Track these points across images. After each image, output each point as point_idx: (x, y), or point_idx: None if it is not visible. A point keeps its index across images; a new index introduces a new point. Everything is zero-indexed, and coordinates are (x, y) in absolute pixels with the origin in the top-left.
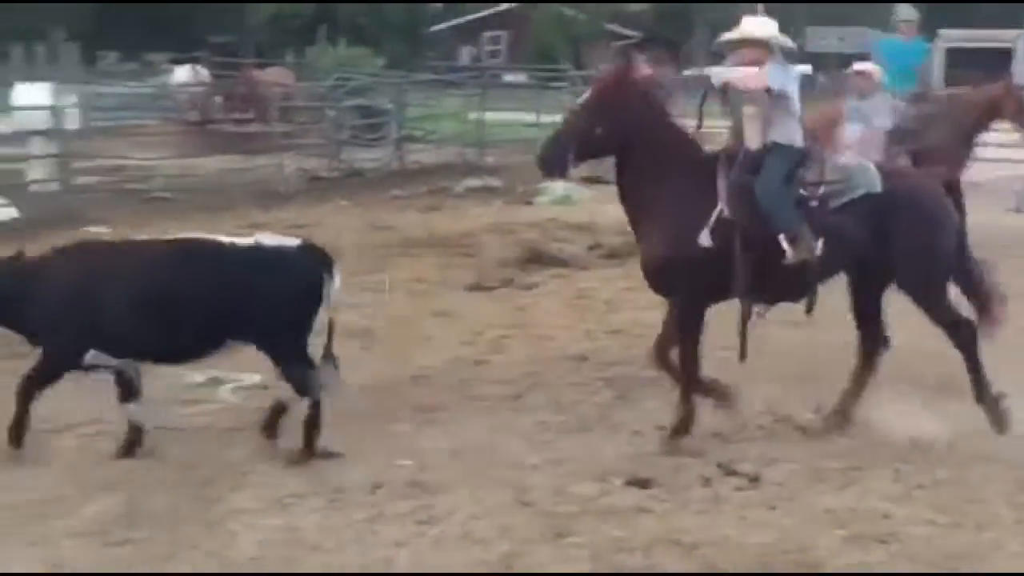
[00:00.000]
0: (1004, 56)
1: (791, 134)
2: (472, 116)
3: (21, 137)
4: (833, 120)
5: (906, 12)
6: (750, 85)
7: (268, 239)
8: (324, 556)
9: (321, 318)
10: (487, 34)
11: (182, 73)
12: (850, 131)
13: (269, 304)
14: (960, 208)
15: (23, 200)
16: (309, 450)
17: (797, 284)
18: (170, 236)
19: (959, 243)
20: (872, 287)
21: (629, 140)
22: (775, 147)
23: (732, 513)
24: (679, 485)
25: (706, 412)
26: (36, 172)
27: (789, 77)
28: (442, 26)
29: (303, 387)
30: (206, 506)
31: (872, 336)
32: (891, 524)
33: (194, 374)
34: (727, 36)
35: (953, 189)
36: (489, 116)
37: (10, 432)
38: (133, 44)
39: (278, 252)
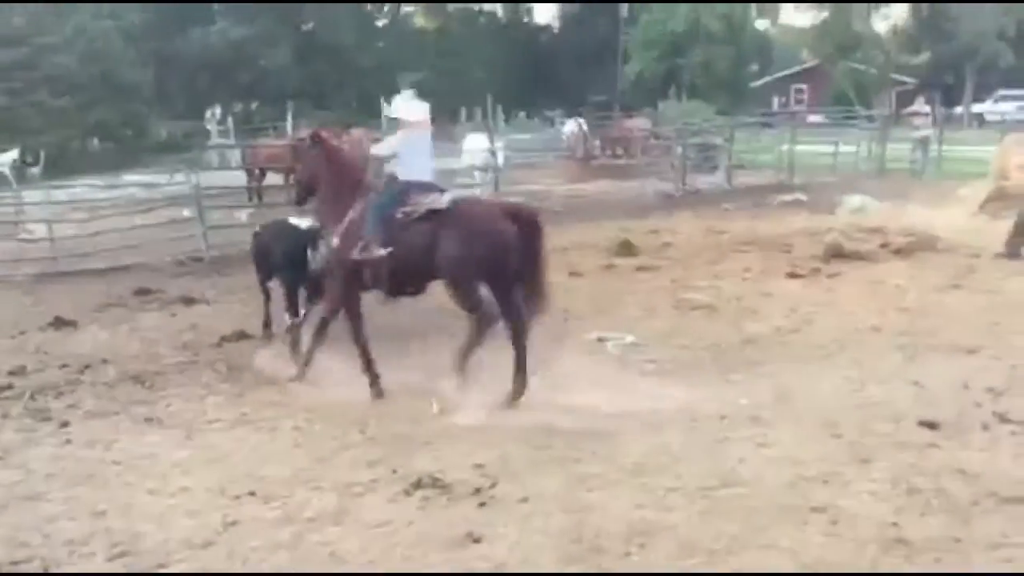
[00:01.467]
0: None
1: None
2: (784, 148)
3: (468, 170)
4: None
5: None
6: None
7: None
8: (687, 465)
9: None
10: (794, 86)
11: (571, 124)
12: None
13: None
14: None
15: None
16: None
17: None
18: None
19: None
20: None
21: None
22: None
23: (1008, 452)
24: (962, 428)
25: (984, 375)
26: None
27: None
28: (760, 82)
29: None
30: (606, 424)
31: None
32: None
33: (587, 335)
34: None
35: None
36: (797, 148)
37: None
38: (537, 104)
39: None
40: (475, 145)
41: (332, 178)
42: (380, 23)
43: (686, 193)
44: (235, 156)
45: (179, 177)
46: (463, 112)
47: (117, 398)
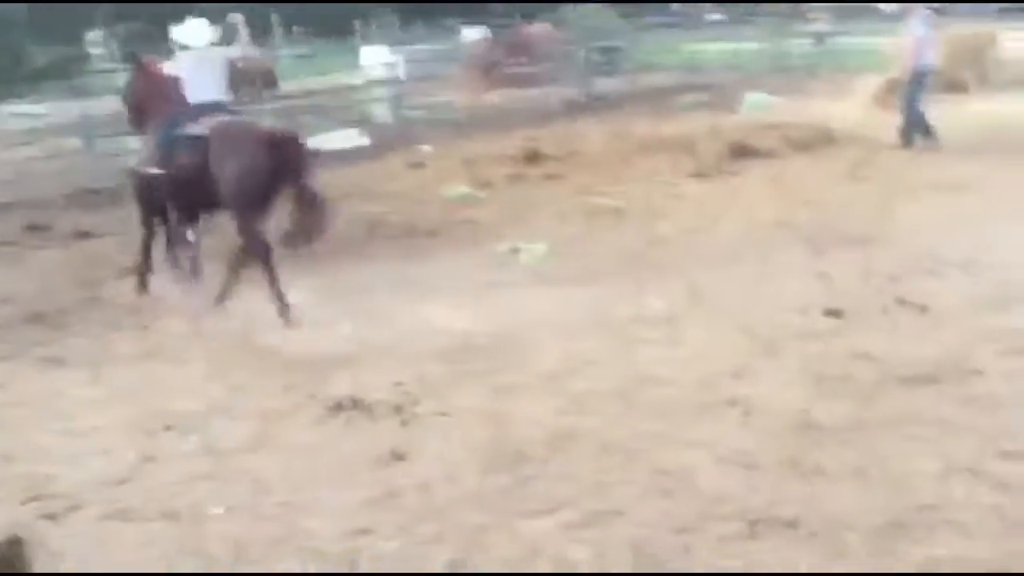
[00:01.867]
0: None
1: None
2: (686, 48)
3: (368, 86)
4: None
5: None
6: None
7: None
8: (603, 368)
9: None
10: None
11: (471, 33)
12: None
13: None
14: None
15: (371, 131)
16: None
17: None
18: None
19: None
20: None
21: None
22: None
23: (908, 334)
24: (864, 314)
25: (883, 262)
26: (378, 110)
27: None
28: None
29: None
30: (522, 334)
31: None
32: None
33: (499, 245)
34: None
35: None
36: (699, 47)
37: None
38: (436, 13)
39: None
40: (372, 59)
41: (155, 102)
42: None
43: (591, 99)
44: (122, 80)
45: (64, 104)
46: (357, 24)
47: (16, 339)
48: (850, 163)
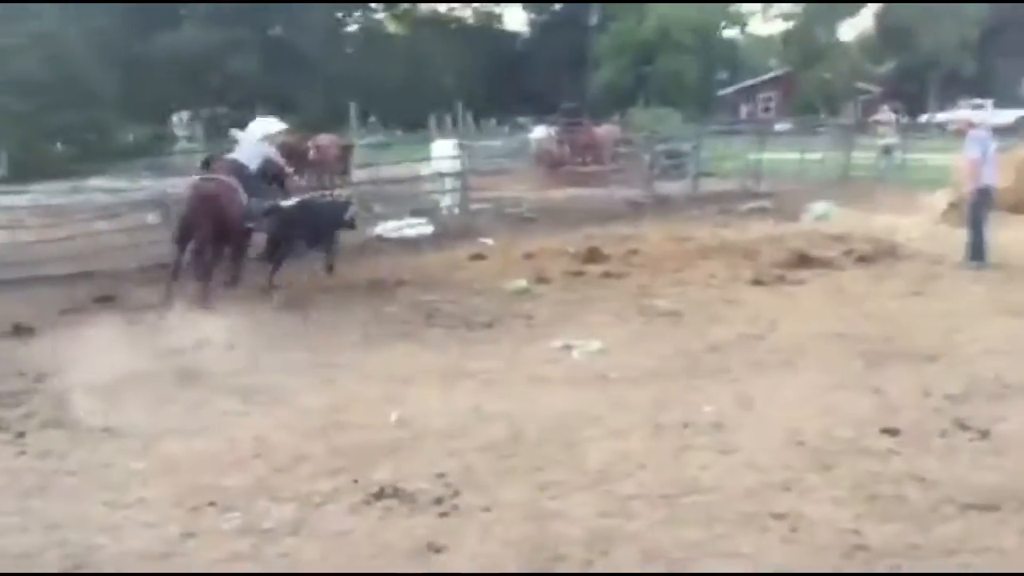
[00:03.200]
0: None
1: None
2: (751, 156)
3: (436, 177)
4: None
5: None
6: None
7: None
8: (647, 473)
9: None
10: (761, 95)
11: (540, 131)
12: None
13: None
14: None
15: (437, 220)
16: None
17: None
18: None
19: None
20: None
21: None
22: None
23: (966, 458)
24: (921, 435)
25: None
26: (446, 200)
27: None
28: (728, 90)
29: None
30: (570, 432)
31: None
32: None
33: (554, 341)
34: None
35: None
36: (764, 156)
37: None
38: (508, 111)
39: None
40: (441, 152)
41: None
42: (349, 28)
43: (654, 200)
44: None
45: (145, 182)
46: (432, 119)
47: (74, 408)
48: (913, 279)
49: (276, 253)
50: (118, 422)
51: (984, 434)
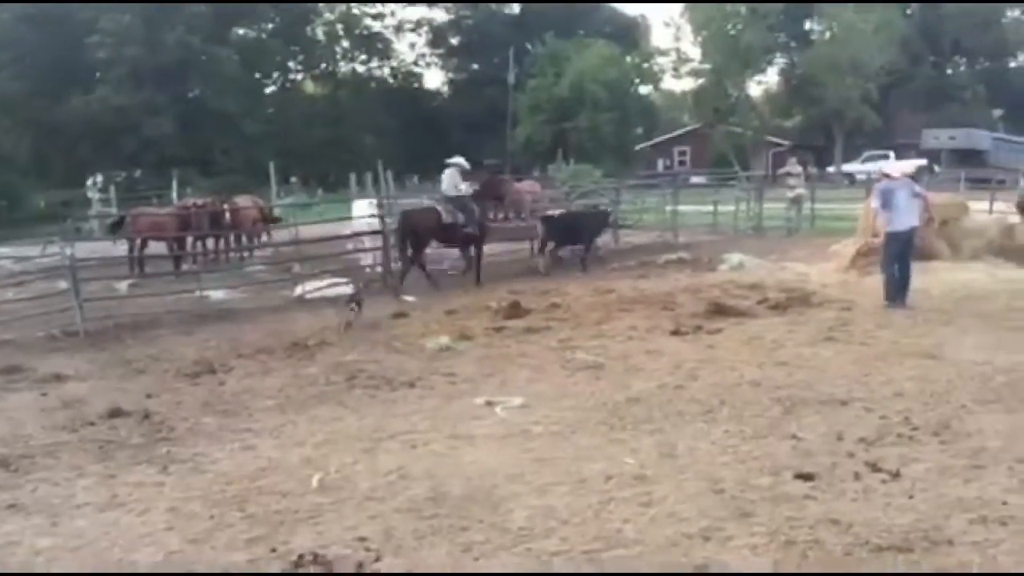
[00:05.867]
0: None
1: None
2: (668, 208)
3: (357, 236)
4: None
5: None
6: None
7: None
8: (573, 528)
9: None
10: (676, 149)
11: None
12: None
13: None
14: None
15: (358, 280)
16: None
17: None
18: None
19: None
20: None
21: None
22: None
23: (879, 501)
24: (836, 478)
25: (857, 425)
26: (367, 259)
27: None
28: (644, 145)
29: None
30: (493, 490)
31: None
32: (1009, 509)
33: (476, 398)
34: None
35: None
36: (680, 208)
37: None
38: (430, 168)
39: None
40: (361, 211)
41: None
42: (268, 89)
43: (574, 254)
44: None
45: (53, 248)
46: (352, 177)
47: None
48: (825, 325)
49: (546, 251)
50: (25, 498)
51: (895, 475)
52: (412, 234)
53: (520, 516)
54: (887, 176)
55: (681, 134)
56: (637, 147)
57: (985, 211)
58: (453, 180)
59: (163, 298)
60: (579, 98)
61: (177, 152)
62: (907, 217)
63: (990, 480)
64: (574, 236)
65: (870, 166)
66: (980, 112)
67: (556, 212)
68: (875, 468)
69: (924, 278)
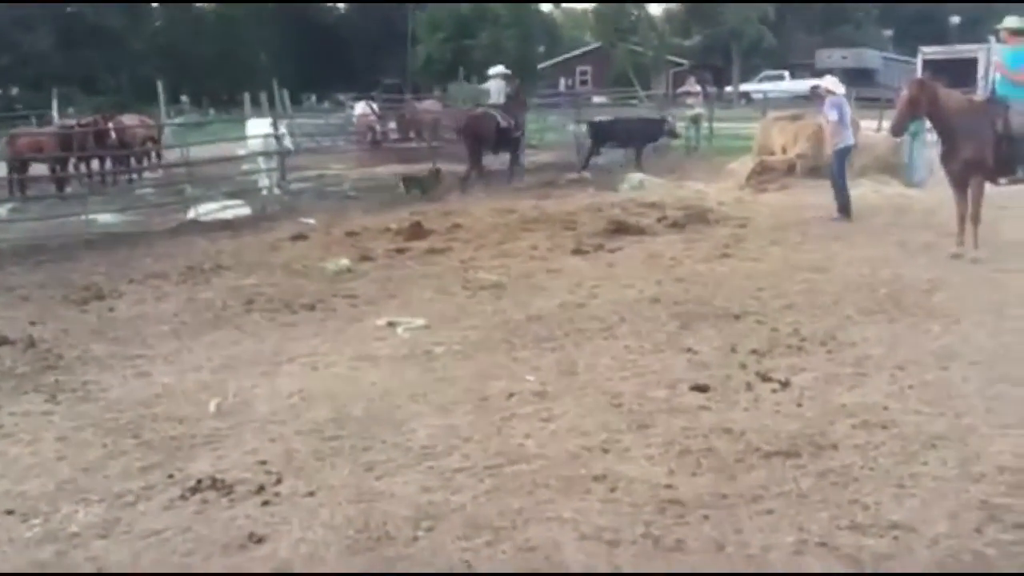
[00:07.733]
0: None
1: None
2: (570, 128)
3: (252, 157)
4: None
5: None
6: None
7: None
8: (475, 445)
9: None
10: (579, 68)
11: (360, 107)
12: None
13: None
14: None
15: (254, 201)
16: None
17: None
18: None
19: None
20: None
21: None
22: None
23: (769, 409)
24: (729, 389)
25: (749, 338)
26: (263, 181)
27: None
28: (546, 63)
29: None
30: (395, 410)
31: None
32: (890, 414)
33: (377, 320)
34: None
35: None
36: (583, 128)
37: None
38: (328, 87)
39: None
40: (257, 130)
41: None
42: (155, 3)
43: (477, 174)
44: None
45: None
46: (247, 96)
47: None
48: (721, 242)
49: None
50: None
51: (785, 384)
52: (475, 138)
53: (422, 435)
54: (831, 92)
55: (583, 53)
56: (540, 66)
57: (874, 129)
58: (499, 88)
59: (47, 222)
60: (480, 15)
61: (57, 69)
62: (851, 131)
63: (872, 387)
64: (625, 141)
65: (767, 85)
66: (872, 32)
67: (605, 118)
68: (766, 378)
69: (815, 195)
